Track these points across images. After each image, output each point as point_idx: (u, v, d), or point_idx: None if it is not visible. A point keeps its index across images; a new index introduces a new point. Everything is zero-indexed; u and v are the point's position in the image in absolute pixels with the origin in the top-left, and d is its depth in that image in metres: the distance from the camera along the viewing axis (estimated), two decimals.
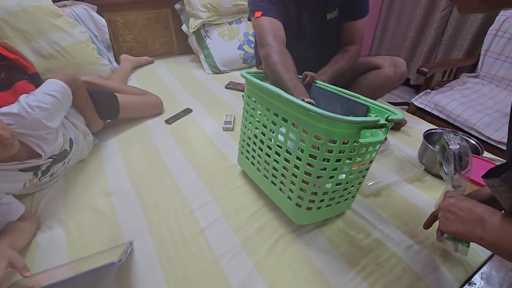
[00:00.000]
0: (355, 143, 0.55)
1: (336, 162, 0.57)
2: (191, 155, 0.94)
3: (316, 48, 1.06)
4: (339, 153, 0.55)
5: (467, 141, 0.85)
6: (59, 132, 0.78)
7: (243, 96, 0.76)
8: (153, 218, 0.72)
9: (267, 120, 0.66)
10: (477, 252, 0.65)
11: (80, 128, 0.90)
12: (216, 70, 1.60)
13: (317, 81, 0.82)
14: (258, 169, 0.74)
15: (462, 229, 0.46)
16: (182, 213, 0.73)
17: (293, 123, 0.58)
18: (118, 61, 1.57)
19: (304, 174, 0.59)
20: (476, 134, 1.35)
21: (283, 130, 0.61)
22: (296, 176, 0.61)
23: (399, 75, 1.05)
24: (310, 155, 0.56)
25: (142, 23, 1.64)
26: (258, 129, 0.70)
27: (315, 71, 0.91)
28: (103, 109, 0.99)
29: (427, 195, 0.79)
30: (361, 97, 0.69)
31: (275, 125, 0.64)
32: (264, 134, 0.68)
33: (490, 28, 1.60)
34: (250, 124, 0.74)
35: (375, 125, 0.54)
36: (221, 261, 0.62)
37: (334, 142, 0.54)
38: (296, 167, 0.60)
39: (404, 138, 1.04)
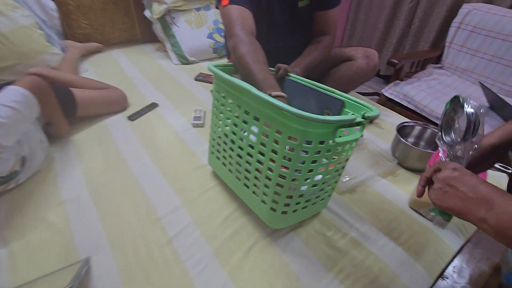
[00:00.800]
0: (331, 143, 0.52)
1: (312, 163, 0.53)
2: (157, 155, 0.87)
3: (288, 38, 1.01)
4: (315, 154, 0.52)
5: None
6: (12, 150, 0.67)
7: (211, 91, 0.69)
8: (113, 229, 0.64)
9: (238, 118, 0.60)
10: (448, 244, 0.66)
11: (35, 138, 0.78)
12: (184, 61, 1.50)
13: (291, 74, 0.77)
14: (230, 170, 0.69)
15: (460, 206, 0.40)
16: (147, 222, 0.66)
17: (265, 122, 0.54)
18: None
19: (279, 177, 0.55)
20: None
21: (255, 129, 0.57)
22: (270, 179, 0.57)
23: (372, 67, 1.04)
24: (285, 157, 0.52)
25: (98, 7, 1.48)
26: (228, 127, 0.64)
27: (288, 62, 0.87)
28: (59, 104, 0.87)
29: (400, 189, 0.79)
30: (336, 91, 0.66)
31: (246, 123, 0.59)
32: (235, 134, 0.63)
33: (453, 21, 1.65)
34: (220, 122, 0.68)
35: (352, 124, 0.51)
36: (191, 273, 0.57)
37: (310, 143, 0.50)
38: (270, 169, 0.56)
39: (377, 131, 1.04)
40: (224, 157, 0.70)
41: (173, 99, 1.16)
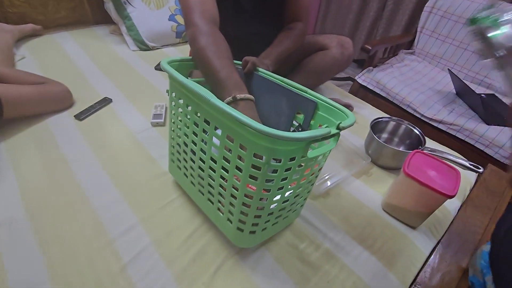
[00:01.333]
0: (303, 158, 0.46)
1: (282, 180, 0.47)
2: (110, 162, 0.76)
3: (258, 24, 0.91)
4: (285, 171, 0.46)
5: (412, 131, 0.84)
6: None
7: (167, 91, 0.60)
8: (55, 258, 0.55)
9: (197, 127, 0.52)
10: (420, 249, 0.65)
11: None
12: (143, 46, 1.34)
13: (260, 69, 0.69)
14: (192, 182, 0.62)
15: None
16: (97, 246, 0.58)
17: (228, 135, 0.46)
18: None
19: (245, 196, 0.48)
20: (412, 112, 1.41)
21: (216, 142, 0.49)
22: (235, 198, 0.50)
23: (346, 57, 0.98)
24: (251, 176, 0.46)
25: None
26: (187, 136, 0.56)
27: (258, 52, 0.78)
28: None
29: (374, 190, 0.77)
30: (309, 91, 0.59)
31: (206, 134, 0.51)
32: (195, 144, 0.54)
33: (426, 5, 1.62)
34: (179, 129, 0.59)
35: (326, 137, 0.45)
36: None
37: (279, 160, 0.44)
38: (235, 187, 0.49)
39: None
40: (185, 167, 0.62)
41: (130, 93, 1.03)
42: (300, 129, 0.61)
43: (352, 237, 0.65)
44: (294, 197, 0.55)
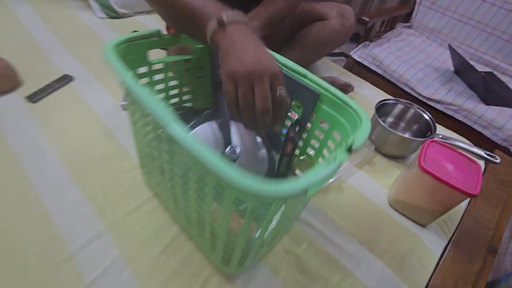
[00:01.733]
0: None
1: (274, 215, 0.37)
2: (71, 154, 0.63)
3: None
4: (278, 211, 0.35)
5: (421, 116, 0.75)
6: None
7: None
8: (3, 280, 0.44)
9: (160, 148, 0.40)
10: (430, 250, 0.58)
11: None
12: (112, 13, 1.15)
13: None
14: (167, 195, 0.50)
15: None
16: (53, 263, 0.47)
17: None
18: None
19: (228, 234, 0.38)
20: (409, 91, 1.33)
21: (184, 174, 0.37)
22: (215, 235, 0.40)
23: (347, 28, 0.86)
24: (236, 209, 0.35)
25: None
26: (151, 150, 0.44)
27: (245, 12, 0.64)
28: None
29: (379, 183, 0.69)
30: (310, 76, 0.46)
31: (174, 158, 0.38)
32: (162, 159, 0.42)
33: None
34: (139, 129, 0.46)
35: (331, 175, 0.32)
36: None
37: (270, 204, 0.33)
38: (213, 224, 0.39)
39: None
40: (156, 178, 0.51)
41: (96, 69, 0.87)
42: (297, 128, 0.50)
43: (355, 237, 0.57)
44: (294, 218, 0.45)
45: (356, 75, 1.15)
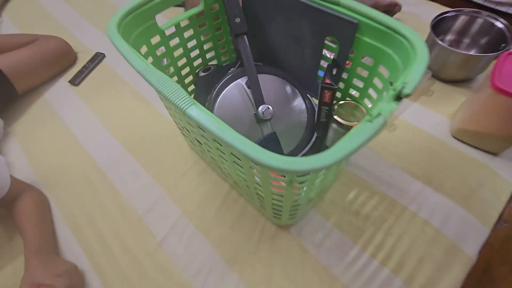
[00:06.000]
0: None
1: (316, 179, 0.34)
2: (119, 128, 0.67)
3: None
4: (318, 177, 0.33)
5: (493, 25, 0.61)
6: None
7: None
8: (88, 241, 0.52)
9: (191, 123, 0.38)
10: (505, 179, 0.52)
11: None
12: None
13: None
14: (212, 162, 0.51)
15: None
16: (128, 227, 0.53)
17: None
18: None
19: (273, 199, 0.37)
20: (492, 6, 1.07)
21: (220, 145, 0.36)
22: (262, 197, 0.39)
23: None
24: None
25: None
26: (185, 123, 0.43)
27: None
28: None
29: (437, 113, 0.61)
30: (344, 1, 0.37)
31: (205, 133, 0.37)
32: (193, 126, 0.40)
33: None
34: (176, 112, 0.45)
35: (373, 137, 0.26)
36: (194, 283, 0.46)
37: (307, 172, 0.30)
38: (259, 186, 0.38)
39: None
40: (200, 149, 0.51)
41: None
42: (335, 69, 0.43)
43: (416, 177, 0.53)
44: (339, 172, 0.42)
45: None
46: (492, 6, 1.02)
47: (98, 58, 0.83)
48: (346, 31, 0.39)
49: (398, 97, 0.28)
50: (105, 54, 0.84)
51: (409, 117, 0.61)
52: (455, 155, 0.55)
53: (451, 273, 0.44)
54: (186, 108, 0.29)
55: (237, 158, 0.34)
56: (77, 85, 0.77)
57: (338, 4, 0.38)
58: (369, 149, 0.57)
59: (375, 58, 0.39)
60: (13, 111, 0.73)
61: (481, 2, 1.04)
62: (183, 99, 0.29)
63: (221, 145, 0.35)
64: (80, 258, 0.50)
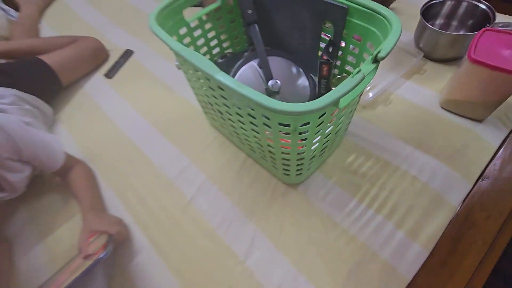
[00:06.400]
0: (334, 107, 0.39)
1: (316, 133, 0.43)
2: (148, 112, 0.78)
3: None
4: (318, 126, 0.41)
5: (476, 7, 0.68)
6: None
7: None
8: (130, 202, 0.63)
9: (215, 95, 0.48)
10: (488, 142, 0.59)
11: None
12: None
13: None
14: (230, 133, 0.61)
15: None
16: (161, 188, 0.63)
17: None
18: (13, 5, 1.17)
19: (282, 152, 0.47)
20: None
21: (236, 100, 0.44)
22: (273, 153, 0.49)
23: None
24: (282, 132, 0.42)
25: None
26: (209, 97, 0.53)
27: None
28: (39, 86, 0.77)
29: (429, 89, 0.68)
30: None
31: (224, 98, 0.46)
32: (216, 98, 0.50)
33: None
34: (198, 88, 0.56)
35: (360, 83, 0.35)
36: (219, 231, 0.56)
37: (307, 123, 0.39)
38: (270, 144, 0.47)
39: None
40: (219, 120, 0.60)
41: (148, 39, 0.98)
42: (331, 48, 0.52)
43: (407, 141, 0.61)
44: (336, 133, 0.51)
45: None
46: None
47: (128, 54, 0.94)
48: (339, 15, 0.48)
49: (376, 60, 0.37)
50: (134, 50, 0.96)
51: (403, 93, 0.69)
52: (443, 123, 0.62)
53: (437, 219, 0.52)
54: (215, 74, 0.38)
55: (253, 118, 0.44)
56: (111, 77, 0.89)
57: None
58: (367, 121, 0.65)
59: (363, 36, 0.47)
60: (59, 101, 0.85)
61: None
62: (212, 68, 0.39)
63: (240, 109, 0.45)
64: (124, 214, 0.61)
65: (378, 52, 0.36)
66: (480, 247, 0.48)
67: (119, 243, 0.56)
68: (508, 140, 0.58)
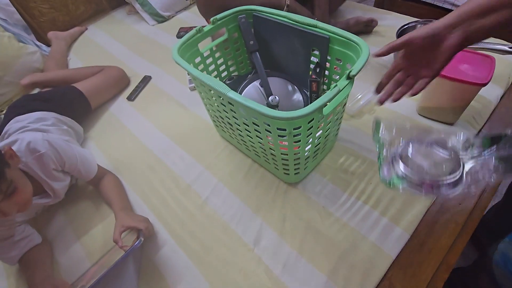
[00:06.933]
0: (320, 115, 0.51)
1: (308, 135, 0.53)
2: (168, 128, 0.90)
3: None
4: (308, 129, 0.52)
5: None
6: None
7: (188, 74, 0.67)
8: (153, 204, 0.73)
9: (224, 105, 0.59)
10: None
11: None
12: (160, 18, 1.39)
13: (266, 12, 0.69)
14: (238, 142, 0.72)
15: None
16: (179, 191, 0.74)
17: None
18: (45, 42, 1.35)
19: (281, 154, 0.57)
20: (450, 7, 1.27)
21: (243, 111, 0.56)
22: (274, 155, 0.60)
23: None
24: (281, 141, 0.54)
25: None
26: (220, 111, 0.64)
27: None
28: (73, 109, 0.91)
29: (408, 99, 0.78)
30: (320, 25, 0.59)
31: (234, 111, 0.58)
32: (226, 111, 0.61)
33: None
34: (210, 105, 0.67)
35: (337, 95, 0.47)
36: (231, 225, 0.65)
37: (299, 127, 0.50)
38: (271, 147, 0.58)
39: (378, 40, 0.98)
40: (229, 131, 0.72)
41: (163, 66, 1.13)
42: (318, 69, 0.64)
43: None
44: (326, 137, 0.61)
45: (390, 7, 1.17)
46: (440, 4, 1.21)
47: (146, 79, 1.09)
48: (323, 43, 0.60)
49: (348, 77, 0.48)
50: (151, 76, 1.10)
51: (386, 103, 0.79)
52: (420, 127, 0.72)
53: (416, 206, 0.60)
54: (227, 92, 0.50)
55: (257, 125, 0.55)
56: (133, 100, 1.02)
57: (316, 26, 0.60)
58: (355, 128, 0.76)
59: (342, 59, 0.59)
60: (88, 122, 0.98)
61: (449, 7, 1.23)
62: (224, 88, 0.51)
63: (246, 119, 0.56)
64: (149, 215, 0.71)
65: (350, 71, 0.48)
66: (454, 229, 0.57)
67: (146, 237, 0.65)
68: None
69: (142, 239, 0.59)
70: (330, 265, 0.56)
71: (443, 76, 0.62)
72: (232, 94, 0.49)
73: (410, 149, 0.47)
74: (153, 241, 0.67)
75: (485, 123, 0.70)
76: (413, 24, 0.84)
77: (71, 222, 0.75)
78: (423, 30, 0.40)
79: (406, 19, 1.01)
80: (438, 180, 0.43)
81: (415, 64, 0.45)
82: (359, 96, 0.81)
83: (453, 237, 0.56)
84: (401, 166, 0.45)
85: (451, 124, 0.71)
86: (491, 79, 0.59)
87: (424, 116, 0.74)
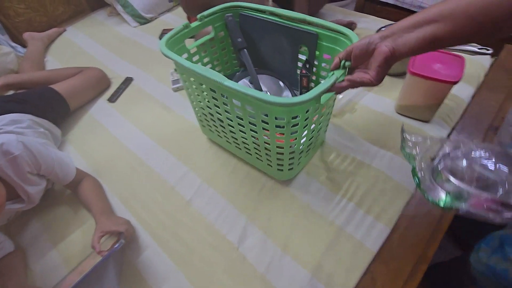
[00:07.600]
0: (317, 104, 0.51)
1: (304, 126, 0.54)
2: (151, 129, 0.88)
3: None
4: (305, 120, 0.52)
5: None
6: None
7: (175, 70, 0.66)
8: (135, 208, 0.71)
9: (216, 100, 0.57)
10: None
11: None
12: (142, 20, 1.37)
13: (252, 8, 0.68)
14: (227, 141, 0.71)
15: None
16: (163, 191, 0.72)
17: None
18: (20, 43, 1.30)
19: (277, 147, 0.57)
20: None
21: (237, 103, 0.54)
22: (269, 150, 0.59)
23: None
24: (277, 126, 0.53)
25: None
26: (210, 107, 0.63)
27: None
28: (50, 111, 0.87)
29: (387, 98, 0.82)
30: (309, 19, 0.59)
31: (227, 105, 0.57)
32: (219, 113, 0.60)
33: None
34: (198, 101, 0.66)
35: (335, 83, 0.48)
36: (216, 225, 0.65)
37: (297, 116, 0.50)
38: (267, 142, 0.57)
39: None
40: (216, 130, 0.71)
41: (145, 67, 1.11)
42: (307, 65, 0.64)
43: (373, 142, 0.73)
44: (318, 131, 0.62)
45: (369, 12, 1.21)
46: (416, 9, 1.27)
47: (128, 81, 1.06)
48: (311, 40, 0.60)
49: (343, 67, 0.48)
50: (133, 77, 1.08)
51: (366, 102, 0.82)
52: (397, 124, 0.75)
53: (397, 202, 0.62)
54: (223, 82, 0.48)
55: (252, 118, 0.53)
56: (114, 101, 1.00)
57: (304, 21, 0.60)
58: (339, 127, 0.77)
59: (331, 55, 0.60)
60: (67, 124, 0.95)
61: (407, 7, 1.29)
62: (221, 77, 0.49)
63: (241, 113, 0.54)
64: (130, 218, 0.69)
65: (346, 61, 0.48)
66: (431, 222, 0.59)
67: (128, 240, 0.63)
68: (451, 135, 0.71)
69: (123, 241, 0.57)
70: (315, 262, 0.56)
71: (416, 74, 0.65)
72: (230, 83, 0.48)
73: (463, 162, 0.42)
74: (134, 245, 0.65)
75: (458, 120, 0.74)
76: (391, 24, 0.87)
77: (47, 228, 0.71)
78: (362, 39, 0.45)
79: (384, 22, 1.05)
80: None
81: (358, 68, 0.49)
82: (341, 96, 0.83)
83: (431, 229, 0.58)
84: (454, 181, 0.41)
85: (427, 121, 0.74)
86: (462, 77, 0.62)
87: (402, 114, 0.77)
